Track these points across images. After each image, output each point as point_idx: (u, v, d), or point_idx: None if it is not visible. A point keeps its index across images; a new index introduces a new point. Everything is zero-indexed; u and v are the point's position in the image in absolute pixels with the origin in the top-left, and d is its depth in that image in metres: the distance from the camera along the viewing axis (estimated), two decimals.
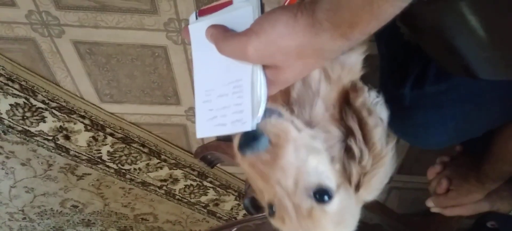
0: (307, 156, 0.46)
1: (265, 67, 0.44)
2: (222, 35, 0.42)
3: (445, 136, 0.69)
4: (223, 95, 0.47)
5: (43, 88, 1.29)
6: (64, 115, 1.38)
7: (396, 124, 0.71)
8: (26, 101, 1.33)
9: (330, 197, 0.46)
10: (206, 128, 0.48)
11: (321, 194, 0.46)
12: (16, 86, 1.28)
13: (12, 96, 1.32)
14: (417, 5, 0.52)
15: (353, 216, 0.50)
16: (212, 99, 0.48)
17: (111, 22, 1.09)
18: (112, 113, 1.40)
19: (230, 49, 0.42)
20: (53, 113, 1.38)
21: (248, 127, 0.45)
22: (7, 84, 1.28)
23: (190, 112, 1.41)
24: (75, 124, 1.42)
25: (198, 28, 0.47)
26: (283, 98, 0.53)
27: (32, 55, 1.19)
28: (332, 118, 0.51)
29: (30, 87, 1.29)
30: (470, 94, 0.63)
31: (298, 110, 0.51)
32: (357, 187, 0.49)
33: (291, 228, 0.48)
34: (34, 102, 1.34)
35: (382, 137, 0.49)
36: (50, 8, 1.06)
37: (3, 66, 1.23)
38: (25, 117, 1.40)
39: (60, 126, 1.43)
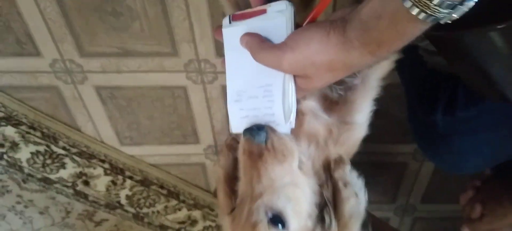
0: (289, 185, 0.49)
1: (295, 75, 0.47)
2: (257, 45, 0.45)
3: (480, 161, 0.68)
4: (253, 97, 0.50)
5: (64, 135, 1.31)
6: (84, 160, 1.39)
7: (430, 151, 0.71)
8: (47, 148, 1.34)
9: (283, 228, 0.47)
10: (240, 125, 0.52)
11: (277, 220, 0.48)
12: (38, 134, 1.30)
13: (34, 144, 1.33)
14: (448, 33, 0.53)
15: None
16: (242, 100, 0.51)
17: (133, 66, 1.11)
18: (131, 156, 1.40)
19: (266, 59, 0.45)
20: (73, 159, 1.38)
21: (283, 129, 0.49)
22: (29, 133, 1.30)
23: (209, 150, 1.41)
24: (94, 168, 1.42)
25: (232, 32, 0.50)
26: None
27: (55, 102, 1.22)
28: (317, 181, 0.53)
29: (51, 134, 1.30)
30: (504, 118, 0.63)
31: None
32: None
33: (235, 228, 0.50)
34: (55, 149, 1.35)
35: (352, 211, 0.51)
36: (74, 56, 1.09)
37: (25, 115, 1.25)
38: (45, 164, 1.41)
39: (80, 172, 1.44)
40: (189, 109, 1.25)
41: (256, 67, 0.48)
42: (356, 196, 0.52)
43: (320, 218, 0.52)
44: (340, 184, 0.52)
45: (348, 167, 0.55)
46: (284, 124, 0.49)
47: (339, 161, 0.55)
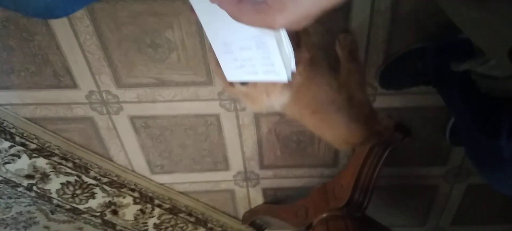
0: None
1: None
2: (236, 7, 0.40)
3: None
4: (246, 48, 0.48)
5: (96, 165, 1.31)
6: (115, 190, 1.39)
7: (494, 177, 0.70)
8: (77, 178, 1.34)
9: None
10: (236, 74, 0.51)
11: None
12: (70, 164, 1.30)
13: (64, 175, 1.33)
14: None
15: (287, 94, 0.63)
16: (233, 51, 0.49)
17: (168, 96, 1.12)
18: (161, 184, 1.40)
19: (252, 22, 0.40)
20: (104, 188, 1.38)
21: (284, 77, 0.48)
22: (61, 164, 1.30)
23: (238, 177, 1.40)
24: (124, 197, 1.42)
25: None
26: None
27: (88, 133, 1.22)
28: None
29: (83, 164, 1.30)
30: None
31: None
32: None
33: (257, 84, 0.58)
34: (85, 179, 1.35)
35: None
36: (111, 87, 1.10)
37: (58, 146, 1.26)
38: (75, 195, 1.40)
39: (109, 201, 1.43)
40: (221, 137, 1.26)
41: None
42: None
43: None
44: None
45: None
46: (285, 72, 0.48)
47: None
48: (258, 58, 0.48)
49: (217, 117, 1.20)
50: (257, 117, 1.20)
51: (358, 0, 0.94)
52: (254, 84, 0.59)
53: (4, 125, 1.18)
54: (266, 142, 1.28)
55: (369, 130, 0.89)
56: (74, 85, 1.10)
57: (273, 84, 0.59)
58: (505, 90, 0.65)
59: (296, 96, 0.69)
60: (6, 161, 1.28)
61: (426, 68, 0.95)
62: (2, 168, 1.30)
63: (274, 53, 0.46)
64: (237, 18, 0.41)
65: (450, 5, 0.53)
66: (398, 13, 0.96)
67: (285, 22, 0.39)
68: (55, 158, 1.29)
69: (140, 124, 1.20)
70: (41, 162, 1.29)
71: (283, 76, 0.48)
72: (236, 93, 0.65)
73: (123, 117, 1.17)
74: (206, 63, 1.05)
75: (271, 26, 0.40)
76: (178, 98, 1.13)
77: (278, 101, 0.66)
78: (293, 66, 0.48)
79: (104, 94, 1.12)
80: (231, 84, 0.60)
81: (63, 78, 1.09)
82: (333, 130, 0.87)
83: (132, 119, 1.19)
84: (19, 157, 1.27)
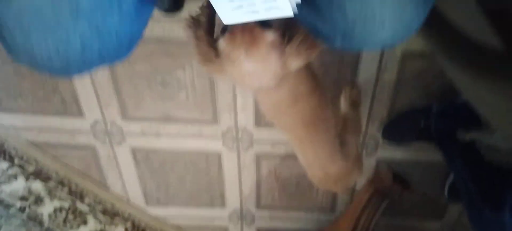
0: None
1: None
2: None
3: None
4: None
5: (92, 192, 1.30)
6: (108, 217, 1.37)
7: None
8: (71, 204, 1.33)
9: (269, 27, 0.58)
10: (233, 16, 0.49)
11: (264, 23, 0.57)
12: (65, 189, 1.29)
13: (58, 200, 1.32)
14: None
15: (270, 66, 0.60)
16: None
17: (173, 131, 1.13)
18: (155, 217, 1.39)
19: None
20: (96, 216, 1.37)
21: (289, 11, 0.46)
22: (57, 188, 1.29)
23: (234, 215, 1.40)
24: (116, 226, 1.40)
25: None
26: None
27: (88, 161, 1.22)
28: None
29: (79, 191, 1.29)
30: None
31: None
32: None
33: (237, 39, 0.57)
34: (79, 205, 1.33)
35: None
36: (116, 119, 1.10)
37: (56, 171, 1.25)
38: (66, 220, 1.38)
39: (101, 229, 1.41)
40: (221, 174, 1.26)
41: None
42: None
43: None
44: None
45: None
46: (289, 7, 0.45)
47: None
48: None
49: (218, 155, 1.20)
50: (258, 158, 1.21)
51: (366, 56, 0.97)
52: (233, 37, 0.58)
53: (5, 146, 1.17)
54: (265, 182, 1.28)
55: (348, 170, 0.88)
56: (80, 114, 1.11)
57: (256, 43, 0.57)
58: (509, 162, 0.66)
59: (299, 102, 0.68)
60: (2, 181, 1.26)
61: (429, 128, 0.97)
62: None
63: None
64: None
65: (460, 82, 0.55)
66: (404, 72, 0.99)
67: None
68: (52, 182, 1.27)
69: (141, 156, 1.20)
70: (37, 185, 1.28)
71: (287, 10, 0.46)
72: (214, 69, 0.63)
73: (125, 147, 1.18)
74: (213, 102, 1.07)
75: None
76: (182, 135, 1.14)
77: (263, 67, 0.60)
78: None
79: (108, 125, 1.12)
80: (208, 60, 0.61)
81: (70, 106, 1.10)
82: (316, 149, 0.83)
83: (134, 151, 1.19)
84: (15, 178, 1.26)
